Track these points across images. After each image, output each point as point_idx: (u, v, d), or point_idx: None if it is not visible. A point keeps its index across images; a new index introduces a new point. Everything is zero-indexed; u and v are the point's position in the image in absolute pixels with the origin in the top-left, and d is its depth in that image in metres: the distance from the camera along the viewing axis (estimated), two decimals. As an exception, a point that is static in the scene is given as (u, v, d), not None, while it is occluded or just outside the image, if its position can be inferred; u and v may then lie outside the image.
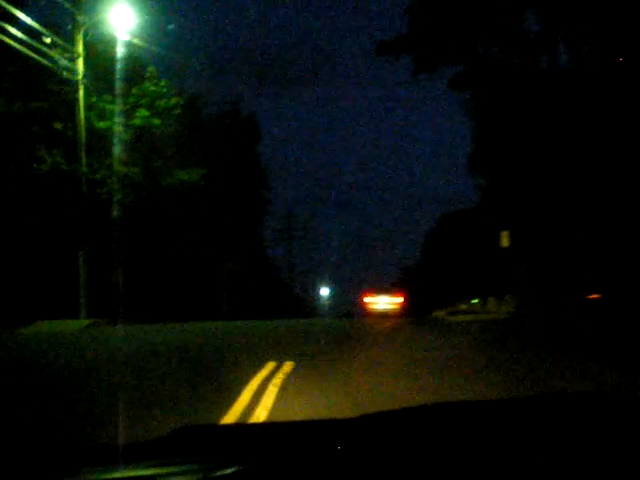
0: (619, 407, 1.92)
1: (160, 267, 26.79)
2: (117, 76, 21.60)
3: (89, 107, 21.87)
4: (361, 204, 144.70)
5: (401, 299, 27.02)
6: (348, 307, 57.03)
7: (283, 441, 1.68)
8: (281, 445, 1.63)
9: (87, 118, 21.53)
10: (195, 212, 27.58)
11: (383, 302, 26.69)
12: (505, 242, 22.96)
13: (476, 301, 30.83)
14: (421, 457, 1.47)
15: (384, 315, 25.13)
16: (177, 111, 23.34)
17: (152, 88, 22.75)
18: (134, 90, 22.83)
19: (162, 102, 22.85)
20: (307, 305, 60.75)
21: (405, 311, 26.91)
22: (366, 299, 27.14)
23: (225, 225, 33.13)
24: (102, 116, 22.09)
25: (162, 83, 23.10)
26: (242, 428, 2.45)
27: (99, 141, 21.88)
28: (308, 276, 68.98)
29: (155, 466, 1.46)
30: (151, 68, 23.18)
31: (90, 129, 21.66)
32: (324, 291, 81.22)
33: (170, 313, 24.93)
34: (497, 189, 23.82)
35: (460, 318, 25.61)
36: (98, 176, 21.47)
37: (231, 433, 1.95)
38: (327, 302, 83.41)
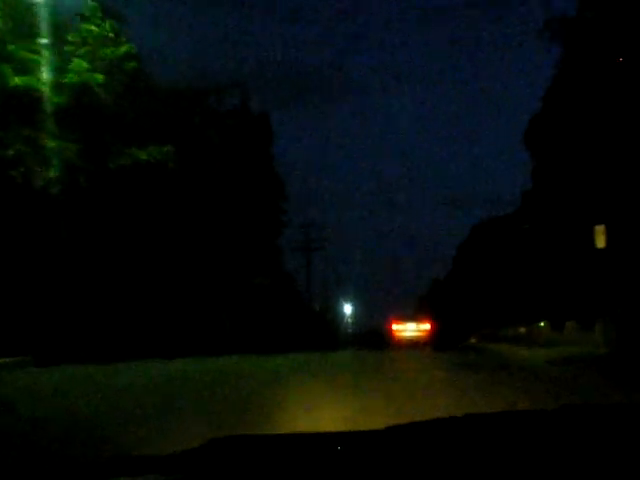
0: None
1: (124, 283, 20.10)
2: (42, 14, 15.24)
3: (4, 58, 15.49)
4: (384, 215, 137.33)
5: (428, 326, 27.51)
6: (375, 327, 50.29)
7: (310, 452, 1.70)
8: (308, 456, 1.65)
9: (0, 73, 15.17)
10: (171, 206, 20.80)
11: (410, 330, 27.28)
12: (601, 242, 15.81)
13: (543, 324, 23.47)
14: (447, 469, 1.46)
15: (412, 343, 25.34)
16: (132, 64, 16.74)
17: (95, 30, 16.18)
18: (70, 36, 16.36)
19: (108, 51, 16.27)
20: (328, 324, 53.90)
21: (434, 338, 26.56)
22: (394, 326, 27.48)
23: (218, 231, 26.39)
24: (22, 70, 15.62)
25: (107, 26, 16.48)
26: (275, 439, 2.22)
27: (17, 105, 15.40)
28: (328, 291, 62.53)
29: (189, 477, 1.48)
30: (93, 4, 16.56)
31: (4, 88, 15.28)
32: (347, 308, 74.88)
33: (145, 346, 18.52)
34: (580, 166, 16.74)
35: (526, 353, 18.52)
36: (11, 152, 14.94)
37: (264, 444, 1.92)
38: (350, 320, 77.20)
